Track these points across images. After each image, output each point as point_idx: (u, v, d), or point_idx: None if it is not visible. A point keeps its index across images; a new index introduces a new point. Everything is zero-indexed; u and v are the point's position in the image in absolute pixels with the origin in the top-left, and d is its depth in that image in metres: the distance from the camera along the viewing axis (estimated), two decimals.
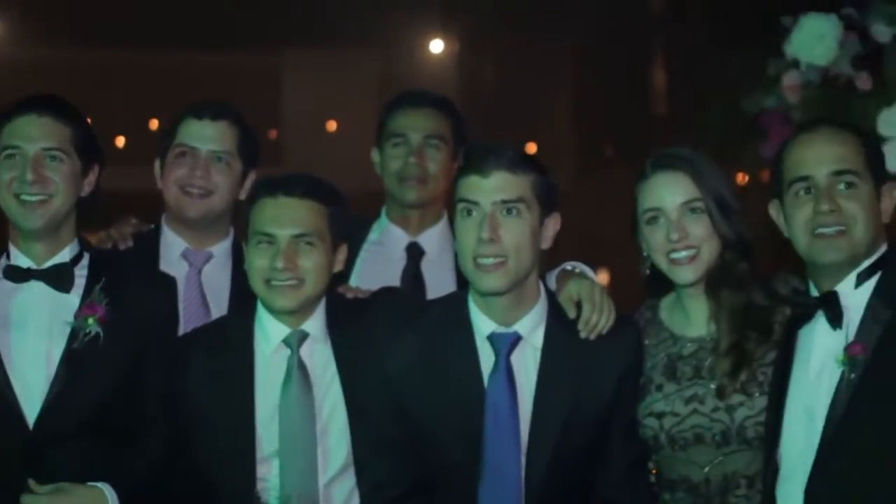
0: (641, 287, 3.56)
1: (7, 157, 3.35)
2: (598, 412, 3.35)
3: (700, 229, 3.35)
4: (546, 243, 3.39)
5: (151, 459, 3.33)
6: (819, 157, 3.11)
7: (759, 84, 5.61)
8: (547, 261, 3.56)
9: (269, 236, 3.33)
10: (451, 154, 4.14)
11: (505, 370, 3.33)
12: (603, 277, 16.44)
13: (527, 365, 3.35)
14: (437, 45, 15.45)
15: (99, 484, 3.23)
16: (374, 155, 4.24)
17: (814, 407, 3.06)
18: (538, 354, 3.36)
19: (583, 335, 3.36)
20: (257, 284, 3.35)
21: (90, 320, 3.31)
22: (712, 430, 3.32)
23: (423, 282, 4.12)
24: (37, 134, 3.34)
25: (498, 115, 15.13)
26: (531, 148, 16.45)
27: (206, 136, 3.88)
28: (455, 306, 3.40)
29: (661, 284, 3.48)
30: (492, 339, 3.35)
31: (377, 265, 4.11)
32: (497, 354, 3.34)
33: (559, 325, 3.38)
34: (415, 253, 4.16)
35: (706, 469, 3.34)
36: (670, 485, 3.41)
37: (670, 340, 3.43)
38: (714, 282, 3.38)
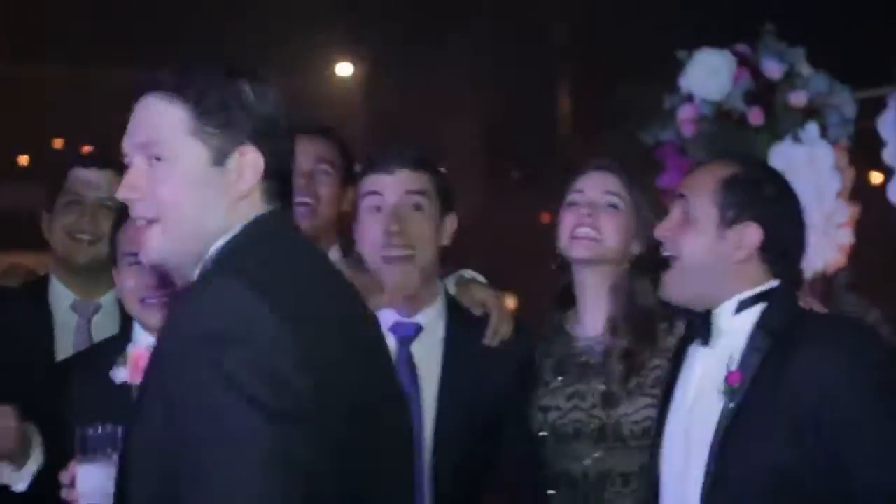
0: (550, 300, 3.68)
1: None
2: (499, 410, 3.46)
3: (612, 223, 3.49)
4: (445, 240, 3.50)
5: None
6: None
7: (656, 117, 5.69)
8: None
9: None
10: (339, 180, 4.15)
11: (407, 360, 3.43)
12: (509, 301, 16.56)
13: (429, 355, 3.45)
14: (344, 69, 15.49)
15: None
16: None
17: (689, 429, 3.10)
18: (441, 346, 3.47)
19: (487, 342, 3.48)
20: None
21: None
22: (590, 425, 3.43)
23: None
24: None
25: (405, 139, 15.21)
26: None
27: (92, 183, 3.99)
28: None
29: (569, 298, 3.61)
30: (394, 328, 3.44)
31: None
32: (399, 344, 3.43)
33: (459, 323, 3.50)
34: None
35: (585, 463, 3.44)
36: (554, 479, 3.50)
37: (565, 339, 3.56)
38: (617, 282, 3.51)
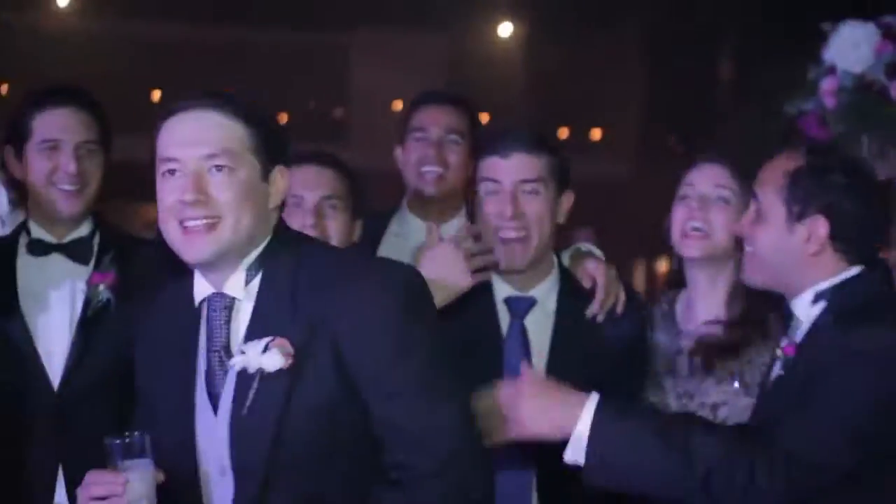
0: (665, 280, 3.78)
1: (50, 148, 3.58)
2: (605, 375, 3.42)
3: (721, 216, 3.51)
4: (561, 218, 3.59)
5: None
6: None
7: (799, 88, 5.68)
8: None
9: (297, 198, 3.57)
10: (468, 149, 4.29)
11: (520, 332, 3.53)
12: (664, 265, 16.44)
13: (540, 328, 3.54)
14: (505, 29, 15.54)
15: None
16: (397, 152, 4.42)
17: None
18: (552, 318, 3.55)
19: (591, 314, 3.55)
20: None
21: (101, 287, 3.58)
22: None
23: None
24: (76, 127, 3.59)
25: (563, 100, 15.22)
26: (596, 134, 16.54)
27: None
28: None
29: (681, 278, 3.67)
30: (508, 302, 3.55)
31: (399, 256, 4.24)
32: (513, 316, 3.53)
33: (571, 295, 3.58)
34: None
35: None
36: None
37: (674, 330, 3.61)
38: (730, 274, 3.53)
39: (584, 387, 3.32)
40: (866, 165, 3.13)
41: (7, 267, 3.61)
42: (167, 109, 2.79)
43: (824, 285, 3.03)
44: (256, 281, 2.78)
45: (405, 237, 4.35)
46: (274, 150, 2.78)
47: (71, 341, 3.56)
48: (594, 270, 3.62)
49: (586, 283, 3.60)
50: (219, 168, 2.69)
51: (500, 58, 15.69)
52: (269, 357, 2.69)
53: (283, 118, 14.78)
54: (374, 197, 4.22)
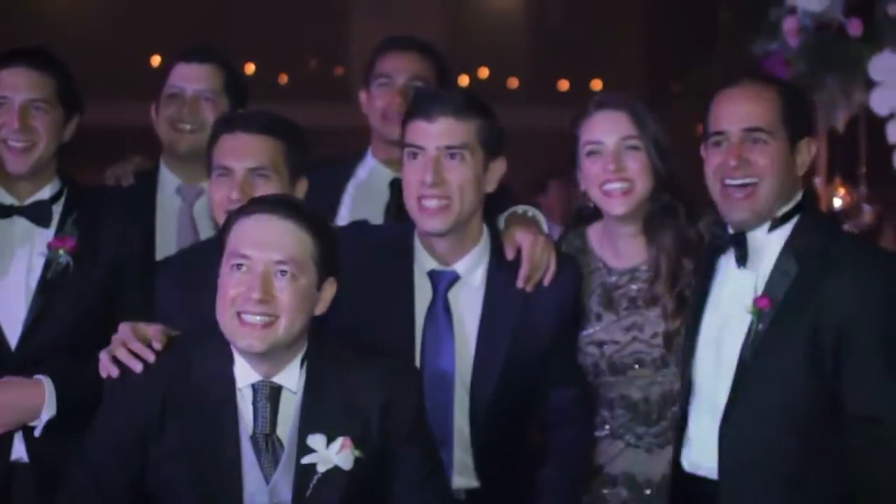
0: (569, 218, 3.80)
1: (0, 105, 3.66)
2: (539, 348, 3.50)
3: (636, 164, 3.52)
4: (490, 186, 3.49)
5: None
6: (734, 114, 3.27)
7: (762, 28, 5.79)
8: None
9: (225, 169, 3.48)
10: None
11: (442, 306, 3.48)
12: None
13: (467, 304, 3.49)
14: None
15: (40, 377, 3.55)
16: (362, 96, 4.40)
17: (723, 339, 3.29)
18: (480, 294, 3.49)
19: (520, 286, 3.49)
20: (219, 215, 3.48)
21: (61, 251, 3.64)
22: (651, 354, 3.55)
23: (406, 216, 4.32)
24: (24, 85, 3.65)
25: (564, 50, 15.21)
26: (597, 84, 16.55)
27: (191, 77, 4.24)
28: (403, 238, 3.55)
29: (586, 216, 3.71)
30: (431, 275, 3.49)
31: (363, 202, 4.27)
32: (434, 291, 3.48)
33: (500, 266, 3.51)
34: (397, 189, 4.14)
35: (646, 388, 3.57)
36: (609, 403, 3.62)
37: (604, 270, 3.63)
38: (651, 222, 3.57)
39: (513, 354, 3.47)
40: None
41: None
42: (245, 208, 3.08)
43: (780, 211, 3.24)
44: (302, 374, 3.06)
45: (369, 182, 4.35)
46: (330, 262, 3.05)
47: (29, 302, 3.63)
48: (521, 239, 3.52)
49: (509, 254, 3.51)
50: (283, 273, 2.97)
51: (500, 12, 15.69)
52: (342, 457, 3.00)
53: (284, 78, 14.84)
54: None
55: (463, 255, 3.49)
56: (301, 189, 3.58)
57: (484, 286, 3.49)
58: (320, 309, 3.06)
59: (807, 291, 3.13)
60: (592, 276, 3.64)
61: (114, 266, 3.69)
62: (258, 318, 2.96)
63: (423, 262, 3.50)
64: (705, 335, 3.34)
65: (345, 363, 3.08)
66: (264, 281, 2.96)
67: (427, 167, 3.39)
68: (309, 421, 3.02)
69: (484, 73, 14.68)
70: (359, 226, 3.76)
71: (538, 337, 3.49)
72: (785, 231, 3.25)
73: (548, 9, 15.44)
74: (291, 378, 3.05)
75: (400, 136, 3.57)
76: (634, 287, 3.59)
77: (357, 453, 3.01)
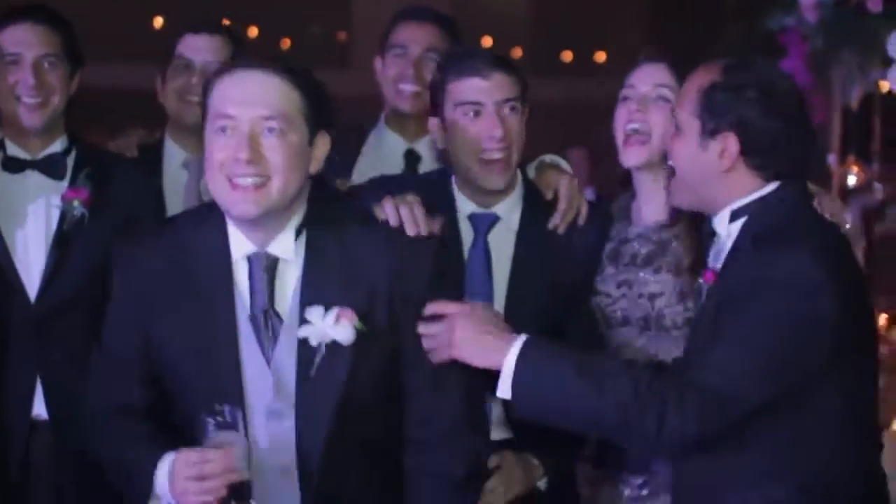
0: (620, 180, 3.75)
1: (10, 62, 3.66)
2: (569, 287, 3.55)
3: (660, 115, 3.46)
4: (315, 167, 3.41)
5: None
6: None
7: (779, 3, 5.72)
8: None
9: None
10: None
11: (483, 248, 3.55)
12: None
13: (503, 244, 3.55)
14: None
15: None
16: (377, 63, 4.38)
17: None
18: (513, 236, 3.56)
19: (553, 226, 3.55)
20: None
21: (75, 202, 3.67)
22: (635, 314, 3.53)
23: None
24: (35, 41, 3.66)
25: (569, 21, 15.15)
26: (600, 56, 16.48)
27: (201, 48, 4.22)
28: (439, 185, 3.57)
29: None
30: (472, 218, 3.56)
31: (375, 171, 4.28)
32: (476, 233, 3.55)
33: (534, 210, 3.58)
34: (412, 158, 4.30)
35: (634, 350, 3.53)
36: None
37: (625, 225, 3.62)
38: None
39: (548, 296, 3.50)
40: (786, 82, 3.05)
41: None
42: (224, 66, 2.93)
43: (740, 203, 3.00)
44: (301, 244, 2.90)
45: (382, 151, 4.33)
46: (323, 116, 2.91)
47: (47, 255, 3.65)
48: (556, 182, 3.63)
49: (548, 195, 3.62)
50: (271, 130, 2.81)
51: None
52: (341, 330, 2.83)
53: (286, 43, 14.76)
54: (375, 121, 4.33)
55: (503, 198, 3.57)
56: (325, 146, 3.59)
57: (518, 228, 3.57)
58: (314, 167, 2.94)
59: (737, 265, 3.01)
60: (616, 232, 3.63)
61: (129, 221, 3.66)
62: (249, 179, 2.82)
63: (463, 206, 3.57)
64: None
65: (347, 228, 2.94)
66: (252, 140, 2.82)
67: (492, 122, 3.46)
68: (309, 293, 2.88)
69: (487, 42, 14.56)
70: (385, 177, 3.76)
71: (569, 277, 3.55)
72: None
73: None
74: (287, 247, 2.91)
75: (435, 101, 3.62)
76: (638, 245, 3.58)
77: (360, 326, 2.87)
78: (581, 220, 3.59)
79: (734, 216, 3.02)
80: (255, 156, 2.80)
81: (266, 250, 2.89)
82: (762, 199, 3.00)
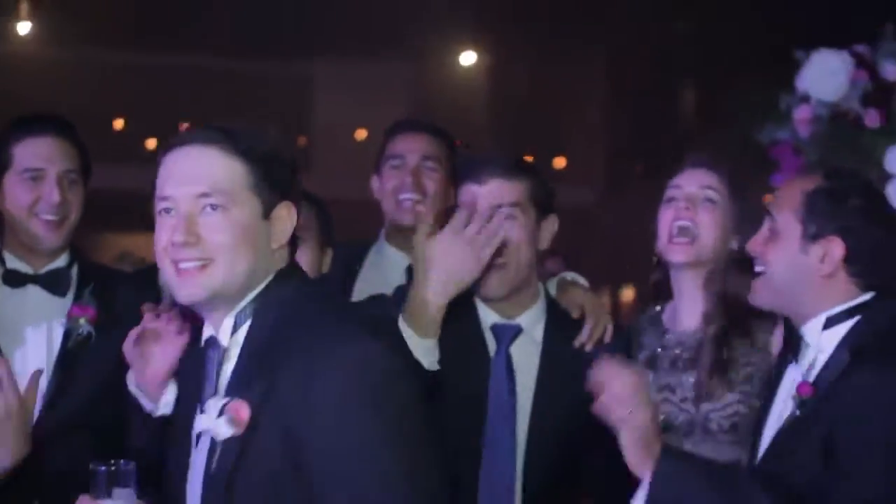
0: (651, 288, 3.72)
1: (33, 177, 3.50)
2: (590, 407, 3.38)
3: (708, 216, 3.49)
4: (543, 244, 3.54)
5: None
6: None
7: (771, 116, 5.67)
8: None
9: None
10: (446, 177, 4.25)
11: (504, 359, 3.49)
12: (629, 293, 16.44)
13: (527, 357, 3.50)
14: (468, 57, 15.51)
15: None
16: (374, 182, 4.38)
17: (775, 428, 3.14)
18: (538, 348, 3.52)
19: (580, 343, 3.52)
20: None
21: (81, 320, 3.50)
22: (679, 418, 3.46)
23: None
24: (58, 156, 3.51)
25: (528, 128, 15.21)
26: (560, 161, 16.56)
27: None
28: (459, 296, 3.32)
29: (666, 290, 3.64)
30: (495, 329, 3.51)
31: (375, 288, 4.18)
32: (499, 343, 3.50)
33: (558, 325, 3.55)
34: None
35: None
36: None
37: (659, 332, 3.59)
38: (713, 274, 3.51)
39: (572, 416, 3.39)
40: (882, 193, 3.10)
41: None
42: (167, 144, 2.64)
43: (836, 310, 2.99)
44: (244, 329, 2.61)
45: (383, 269, 4.28)
46: (278, 185, 2.59)
47: (49, 377, 3.46)
48: (584, 300, 3.61)
49: (575, 314, 3.59)
50: (213, 207, 2.54)
51: (463, 87, 15.66)
52: (221, 423, 2.51)
53: None
54: (336, 226, 4.14)
55: (525, 310, 3.54)
56: (327, 260, 3.72)
57: (542, 341, 3.54)
58: (277, 240, 2.60)
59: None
60: (650, 341, 3.60)
61: None
62: (190, 263, 2.55)
63: (485, 317, 3.53)
64: (769, 423, 3.18)
65: (292, 331, 2.52)
66: (188, 221, 2.55)
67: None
68: (233, 386, 2.56)
69: None
70: (400, 287, 3.60)
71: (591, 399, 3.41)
72: (843, 329, 3.04)
73: (511, 85, 15.47)
74: (226, 333, 2.61)
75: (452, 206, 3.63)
76: (678, 351, 3.54)
77: (240, 426, 2.47)
78: (608, 338, 3.57)
79: (828, 323, 3.00)
80: (192, 237, 2.54)
81: (215, 335, 2.64)
82: (862, 309, 2.98)
